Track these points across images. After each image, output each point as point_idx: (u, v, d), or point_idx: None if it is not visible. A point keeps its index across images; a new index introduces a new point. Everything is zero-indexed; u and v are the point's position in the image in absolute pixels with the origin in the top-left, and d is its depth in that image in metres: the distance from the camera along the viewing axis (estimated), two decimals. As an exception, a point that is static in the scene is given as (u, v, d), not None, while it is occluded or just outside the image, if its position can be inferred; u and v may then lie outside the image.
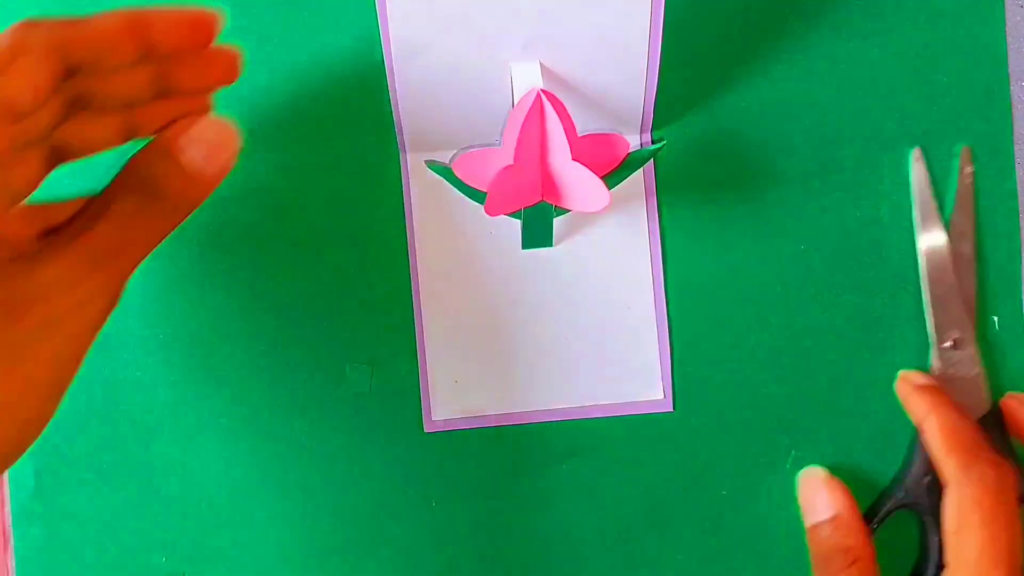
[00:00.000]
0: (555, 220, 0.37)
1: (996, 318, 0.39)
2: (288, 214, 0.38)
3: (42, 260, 0.25)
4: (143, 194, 0.27)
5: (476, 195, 0.35)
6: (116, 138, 0.29)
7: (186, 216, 0.28)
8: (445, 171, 0.36)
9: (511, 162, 0.34)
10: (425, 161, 0.37)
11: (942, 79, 0.39)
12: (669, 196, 0.38)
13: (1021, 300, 0.39)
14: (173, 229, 0.28)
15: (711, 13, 0.38)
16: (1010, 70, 0.39)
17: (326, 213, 0.38)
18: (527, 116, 0.33)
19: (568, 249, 0.38)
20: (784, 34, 0.38)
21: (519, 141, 0.34)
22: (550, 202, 0.36)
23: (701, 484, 0.39)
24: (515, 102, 0.34)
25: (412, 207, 0.38)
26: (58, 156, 0.28)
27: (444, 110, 0.36)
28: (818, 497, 0.36)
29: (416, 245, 0.38)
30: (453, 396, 0.38)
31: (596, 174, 0.34)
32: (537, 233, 0.37)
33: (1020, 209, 0.39)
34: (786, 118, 0.38)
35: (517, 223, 0.37)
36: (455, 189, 0.36)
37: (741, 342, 0.39)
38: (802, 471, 0.37)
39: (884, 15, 0.38)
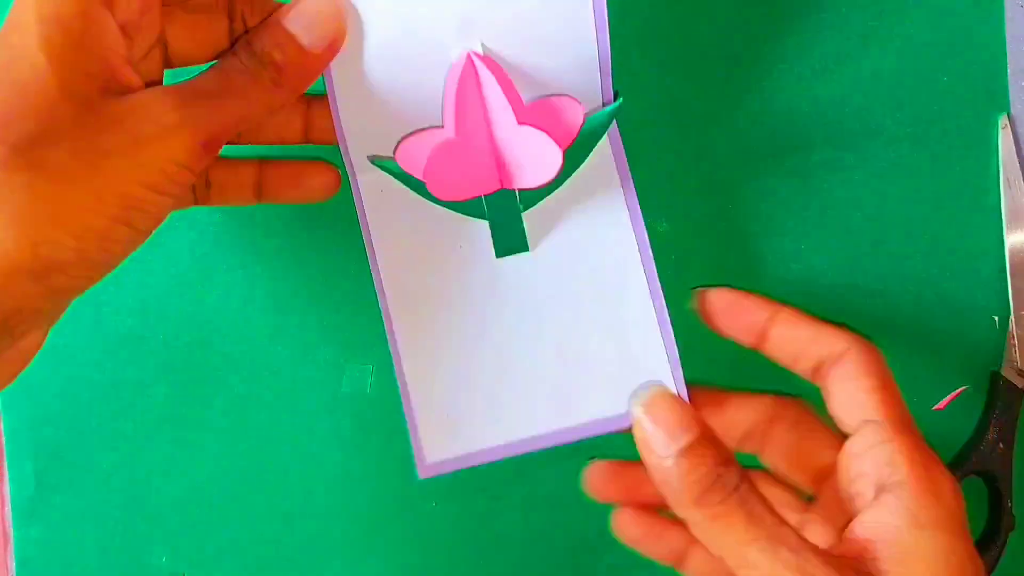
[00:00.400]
0: (527, 219, 0.34)
1: (996, 318, 0.39)
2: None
3: (137, 91, 0.26)
4: (250, 61, 0.28)
5: (433, 196, 0.33)
6: (221, 42, 0.31)
7: (291, 93, 0.29)
8: (390, 165, 0.33)
9: (452, 136, 0.32)
10: (368, 157, 0.33)
11: (942, 78, 0.39)
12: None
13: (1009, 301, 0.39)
14: (277, 104, 0.29)
15: (708, 16, 0.38)
16: (1010, 69, 0.39)
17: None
18: (460, 83, 0.31)
19: (547, 251, 0.35)
20: (785, 34, 0.38)
21: (456, 111, 0.31)
22: (505, 184, 0.33)
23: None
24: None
25: (372, 234, 0.34)
26: (171, 55, 0.30)
27: (387, 116, 0.32)
28: (670, 419, 0.30)
29: (382, 273, 0.34)
30: (446, 433, 0.34)
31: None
32: (508, 235, 0.34)
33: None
34: (786, 117, 0.38)
35: (487, 232, 0.34)
36: (415, 207, 0.33)
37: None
38: (633, 395, 0.31)
39: (884, 14, 0.38)
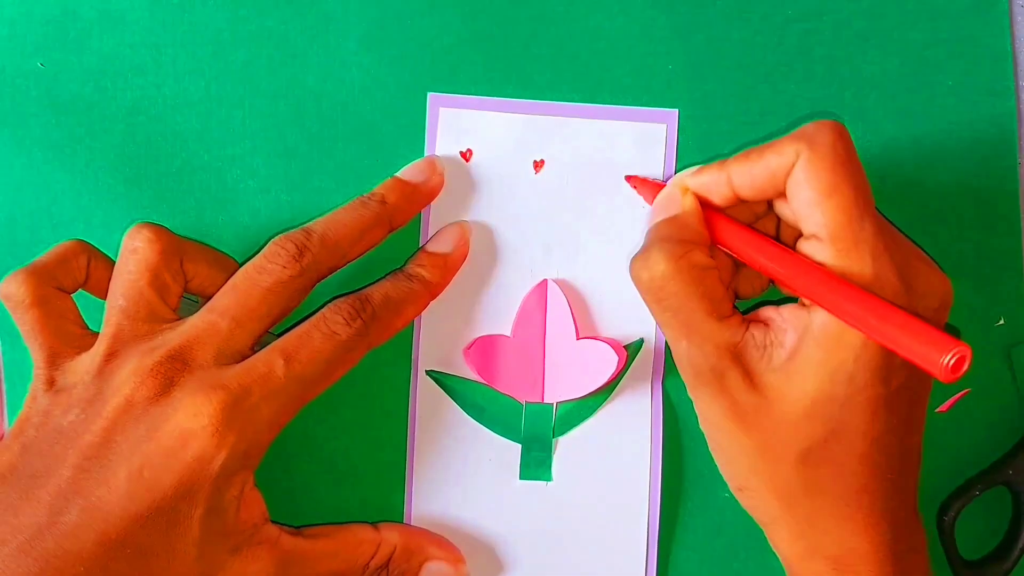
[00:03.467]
0: (556, 450, 0.38)
1: (1001, 319, 0.39)
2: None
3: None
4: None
5: (475, 411, 0.37)
6: None
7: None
8: (443, 379, 0.37)
9: (508, 336, 0.37)
10: (427, 371, 0.38)
11: (946, 81, 0.38)
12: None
13: (1026, 301, 0.38)
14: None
15: (707, 18, 0.38)
16: (1015, 71, 0.39)
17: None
18: (526, 298, 0.37)
19: (565, 484, 0.38)
20: (786, 35, 0.38)
21: (517, 319, 0.37)
22: (548, 397, 0.37)
23: (704, 486, 0.38)
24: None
25: (416, 424, 0.38)
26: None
27: (462, 322, 0.38)
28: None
29: (415, 459, 0.38)
30: None
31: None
32: (536, 460, 0.38)
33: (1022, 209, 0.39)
34: (787, 119, 0.38)
35: (516, 454, 0.38)
36: (458, 416, 0.37)
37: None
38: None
39: (886, 16, 0.38)
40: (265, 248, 0.33)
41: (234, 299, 0.32)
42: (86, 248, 0.35)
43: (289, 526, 0.34)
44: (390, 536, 0.36)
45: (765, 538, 0.34)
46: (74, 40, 0.38)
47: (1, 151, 0.38)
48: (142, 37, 0.38)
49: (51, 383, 0.32)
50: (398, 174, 0.36)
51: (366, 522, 0.36)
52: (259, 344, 0.33)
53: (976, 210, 0.39)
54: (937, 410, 0.39)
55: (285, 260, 0.32)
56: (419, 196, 0.36)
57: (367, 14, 0.38)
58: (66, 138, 0.38)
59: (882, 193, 0.38)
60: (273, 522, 0.33)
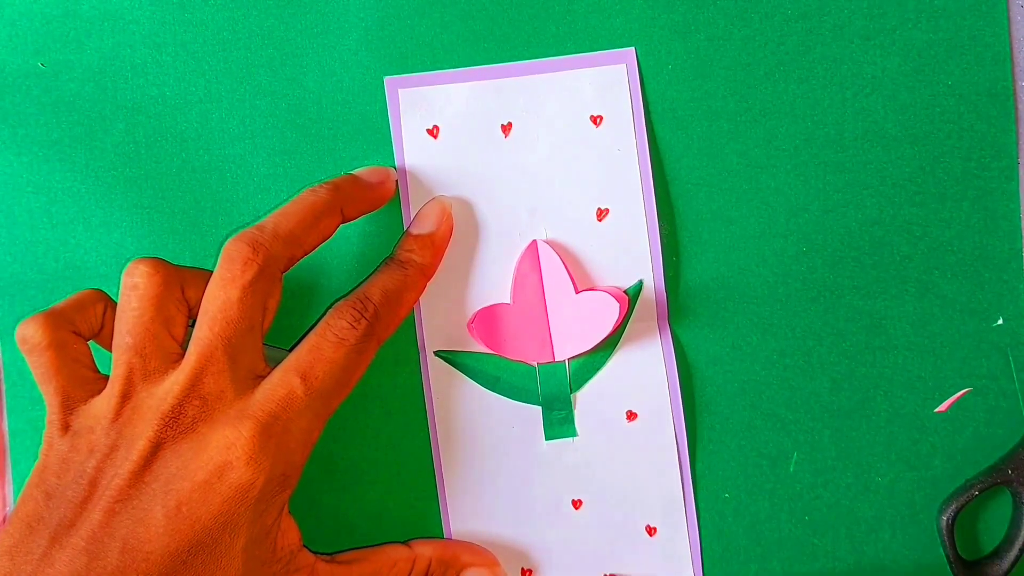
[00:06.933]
0: (576, 405, 0.38)
1: (1001, 319, 0.39)
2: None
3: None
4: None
5: (490, 382, 0.37)
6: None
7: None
8: (452, 356, 0.38)
9: (509, 303, 0.37)
10: (435, 352, 0.38)
11: (945, 80, 0.38)
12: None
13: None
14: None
15: (708, 19, 0.38)
16: (1014, 70, 0.39)
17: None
18: (519, 262, 0.37)
19: (591, 437, 0.38)
20: (786, 35, 0.38)
21: (514, 285, 0.37)
22: (558, 355, 0.37)
23: (703, 486, 0.39)
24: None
25: (434, 408, 0.38)
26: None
27: (462, 297, 0.38)
28: None
29: (440, 447, 0.38)
30: None
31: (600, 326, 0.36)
32: (558, 419, 0.38)
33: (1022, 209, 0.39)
34: (787, 119, 0.38)
35: (539, 417, 0.38)
36: (475, 392, 0.38)
37: (742, 343, 0.38)
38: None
39: (886, 15, 0.38)
40: (220, 257, 0.32)
41: (214, 323, 0.31)
42: (103, 297, 0.34)
43: (326, 554, 0.34)
44: (424, 551, 0.36)
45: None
46: (74, 40, 0.38)
47: (1, 151, 0.38)
48: (142, 37, 0.38)
49: (66, 428, 0.32)
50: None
51: (397, 542, 0.37)
52: (269, 360, 0.33)
53: (976, 210, 0.39)
54: (936, 410, 0.39)
55: (242, 263, 0.32)
56: (371, 193, 0.36)
57: (367, 13, 0.38)
58: (66, 138, 0.38)
59: (881, 192, 0.39)
60: (306, 548, 0.33)
